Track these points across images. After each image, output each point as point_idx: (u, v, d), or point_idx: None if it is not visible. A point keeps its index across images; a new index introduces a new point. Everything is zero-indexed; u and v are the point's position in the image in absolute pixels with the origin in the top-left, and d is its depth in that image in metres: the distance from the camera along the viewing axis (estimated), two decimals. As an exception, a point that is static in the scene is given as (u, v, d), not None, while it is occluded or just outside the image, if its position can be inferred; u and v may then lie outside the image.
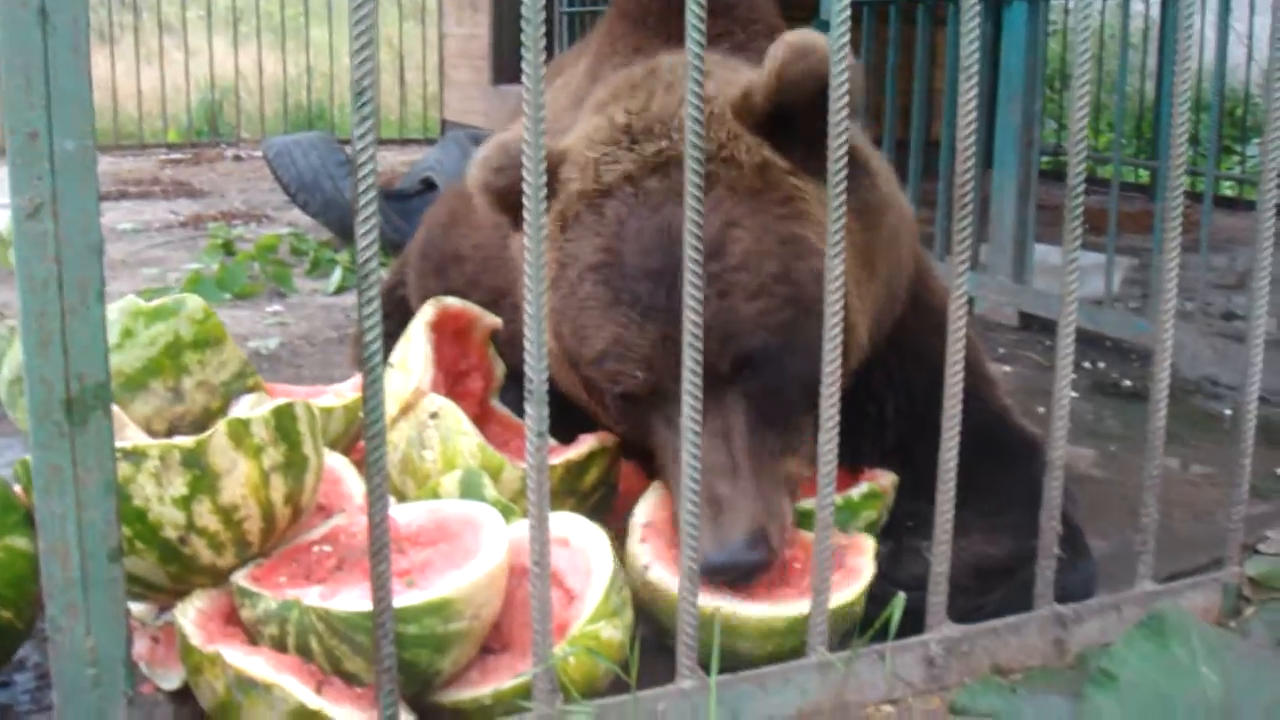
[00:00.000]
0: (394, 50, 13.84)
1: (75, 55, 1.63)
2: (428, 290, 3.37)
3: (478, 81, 11.65)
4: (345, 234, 6.98)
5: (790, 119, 2.46)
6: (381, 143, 12.75)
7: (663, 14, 3.12)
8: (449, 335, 2.95)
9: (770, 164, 2.48)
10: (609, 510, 2.75)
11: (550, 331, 2.53)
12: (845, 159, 2.11)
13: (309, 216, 7.32)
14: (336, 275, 6.22)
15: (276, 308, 5.78)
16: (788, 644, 2.31)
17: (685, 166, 2.02)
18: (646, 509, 2.57)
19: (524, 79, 1.90)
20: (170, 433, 2.57)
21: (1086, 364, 4.76)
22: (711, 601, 2.28)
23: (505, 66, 11.11)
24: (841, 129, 2.10)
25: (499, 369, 3.03)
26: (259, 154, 11.72)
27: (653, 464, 2.66)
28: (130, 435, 2.40)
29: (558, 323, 2.55)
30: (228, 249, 6.90)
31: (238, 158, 12.44)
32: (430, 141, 11.25)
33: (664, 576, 2.36)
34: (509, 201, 2.56)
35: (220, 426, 2.20)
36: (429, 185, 6.96)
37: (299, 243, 6.98)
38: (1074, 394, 4.27)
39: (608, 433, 2.74)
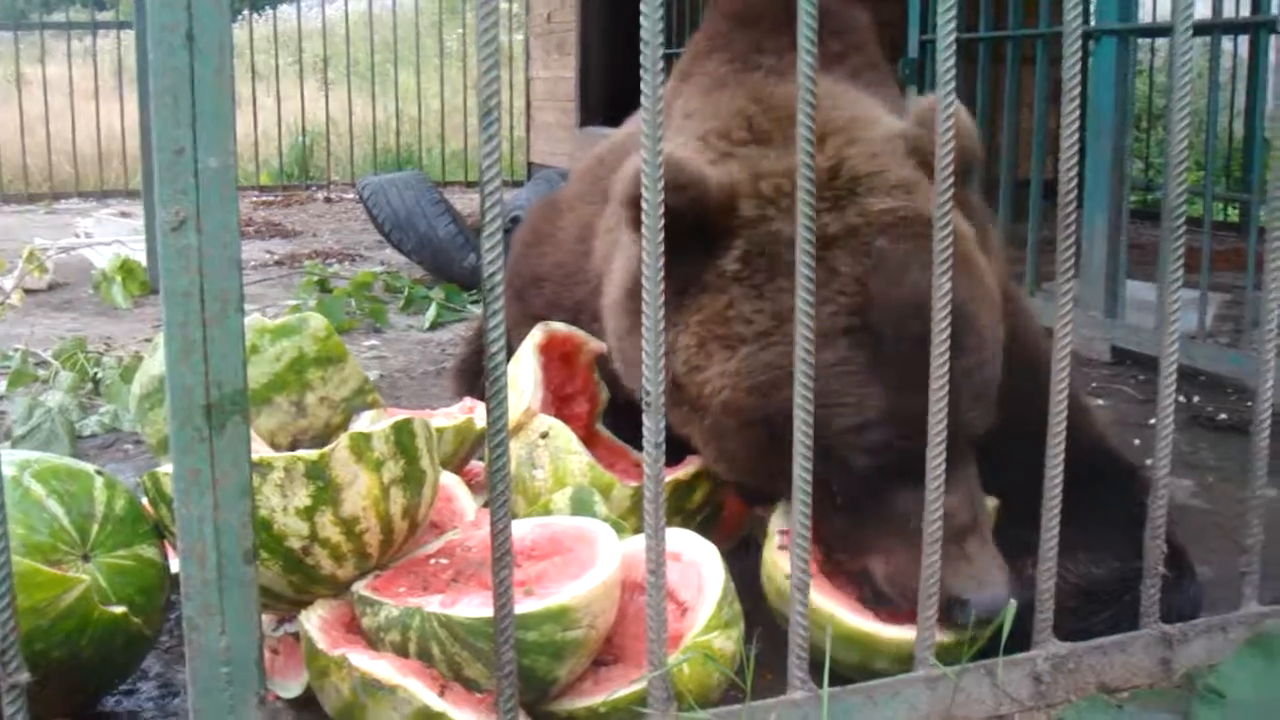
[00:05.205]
0: (480, 95, 14.04)
1: (219, 76, 1.71)
2: (509, 316, 3.39)
3: (564, 123, 11.76)
4: (438, 271, 7.09)
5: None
6: (469, 185, 12.93)
7: (772, 25, 2.97)
8: (556, 359, 2.99)
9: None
10: (715, 530, 2.78)
11: (743, 388, 2.43)
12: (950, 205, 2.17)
13: (403, 254, 7.45)
14: (431, 311, 6.31)
15: (373, 342, 5.88)
16: (895, 663, 2.34)
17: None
18: (783, 518, 2.53)
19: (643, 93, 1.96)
20: (293, 447, 2.63)
21: (1181, 398, 4.72)
22: (826, 607, 2.31)
23: (591, 109, 11.21)
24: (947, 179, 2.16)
25: (603, 393, 3.06)
26: (349, 196, 11.93)
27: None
28: (256, 448, 2.47)
29: (771, 380, 2.40)
30: (323, 286, 6.99)
31: (328, 199, 12.66)
32: (517, 184, 11.35)
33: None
34: (679, 226, 2.30)
35: (342, 440, 2.26)
36: (517, 223, 7.03)
37: (393, 280, 7.08)
38: (1170, 425, 4.24)
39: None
